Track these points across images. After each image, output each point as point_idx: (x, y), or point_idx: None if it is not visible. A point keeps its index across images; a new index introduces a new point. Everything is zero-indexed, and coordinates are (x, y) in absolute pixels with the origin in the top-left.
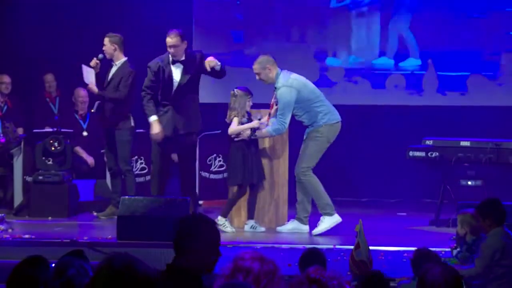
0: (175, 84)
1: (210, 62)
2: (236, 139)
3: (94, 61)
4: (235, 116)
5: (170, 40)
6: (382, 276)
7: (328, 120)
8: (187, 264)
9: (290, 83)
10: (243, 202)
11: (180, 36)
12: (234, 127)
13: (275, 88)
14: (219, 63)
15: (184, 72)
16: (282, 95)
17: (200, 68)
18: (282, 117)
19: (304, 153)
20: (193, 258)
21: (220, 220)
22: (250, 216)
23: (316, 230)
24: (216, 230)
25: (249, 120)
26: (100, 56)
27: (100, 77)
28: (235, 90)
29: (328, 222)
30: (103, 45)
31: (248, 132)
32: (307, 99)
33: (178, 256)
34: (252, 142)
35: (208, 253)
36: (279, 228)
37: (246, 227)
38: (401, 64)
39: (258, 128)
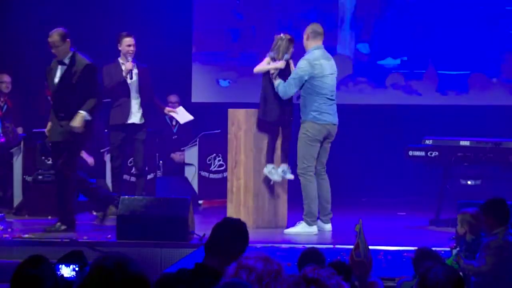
0: (54, 87)
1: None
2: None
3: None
4: (270, 56)
5: (49, 38)
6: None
7: (313, 118)
8: (216, 264)
9: (313, 62)
10: (242, 200)
11: (60, 35)
12: (260, 66)
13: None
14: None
15: (61, 76)
16: (298, 64)
17: (82, 79)
18: (288, 82)
19: (297, 153)
20: (224, 260)
21: (267, 166)
22: (283, 160)
23: (288, 230)
24: (248, 238)
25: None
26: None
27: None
28: (282, 34)
29: (303, 228)
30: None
31: (273, 71)
32: (310, 88)
33: (209, 256)
34: None
35: (237, 257)
36: (286, 231)
37: (279, 170)
38: (380, 62)
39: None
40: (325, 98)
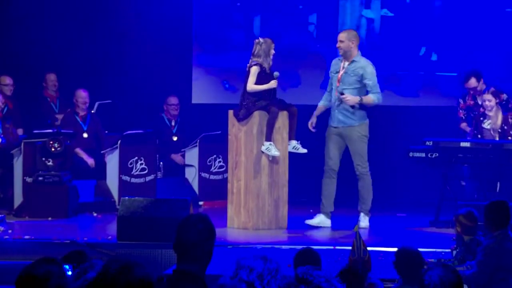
0: None
1: None
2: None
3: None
4: (254, 65)
5: None
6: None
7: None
8: (193, 268)
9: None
10: (243, 202)
11: None
12: (252, 84)
13: (353, 61)
14: None
15: None
16: (370, 70)
17: None
18: (377, 90)
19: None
20: (199, 262)
21: (265, 144)
22: (291, 137)
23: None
24: (214, 232)
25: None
26: None
27: None
28: (260, 38)
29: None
30: None
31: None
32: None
33: (182, 261)
34: None
35: (211, 255)
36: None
37: (289, 147)
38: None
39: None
40: None
